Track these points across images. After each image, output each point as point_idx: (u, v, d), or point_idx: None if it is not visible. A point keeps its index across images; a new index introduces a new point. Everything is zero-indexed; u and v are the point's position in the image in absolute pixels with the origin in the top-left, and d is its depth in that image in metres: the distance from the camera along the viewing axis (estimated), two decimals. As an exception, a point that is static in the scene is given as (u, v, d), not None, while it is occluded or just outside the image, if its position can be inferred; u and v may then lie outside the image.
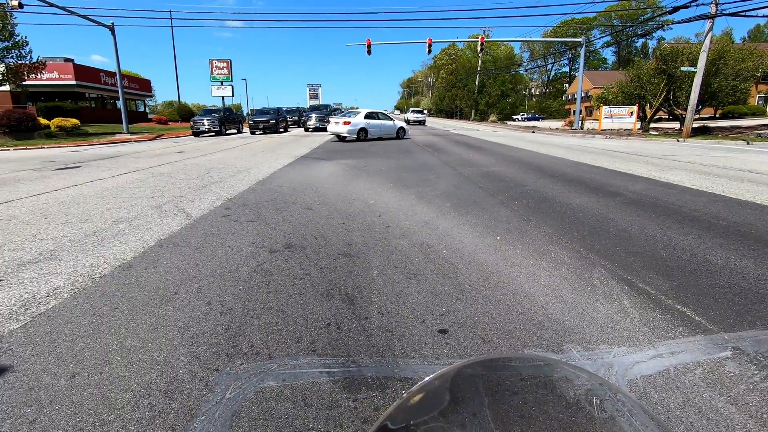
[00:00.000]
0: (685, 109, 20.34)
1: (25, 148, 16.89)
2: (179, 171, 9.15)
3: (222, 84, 45.16)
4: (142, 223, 4.75)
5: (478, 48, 29.18)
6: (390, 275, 3.16)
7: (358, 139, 17.85)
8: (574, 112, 36.14)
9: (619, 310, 2.61)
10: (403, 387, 1.86)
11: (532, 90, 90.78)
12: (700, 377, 1.95)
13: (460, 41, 61.89)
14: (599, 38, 67.13)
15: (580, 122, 29.71)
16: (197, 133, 24.40)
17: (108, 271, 3.28)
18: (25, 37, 24.19)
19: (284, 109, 32.45)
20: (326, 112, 29.35)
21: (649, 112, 24.58)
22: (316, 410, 1.72)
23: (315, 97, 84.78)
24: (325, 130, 26.98)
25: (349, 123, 17.59)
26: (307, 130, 27.59)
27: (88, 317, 2.53)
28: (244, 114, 56.58)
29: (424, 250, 3.73)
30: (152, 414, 1.71)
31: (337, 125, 17.85)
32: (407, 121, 34.30)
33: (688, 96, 19.72)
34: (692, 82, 19.20)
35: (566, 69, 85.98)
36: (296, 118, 32.20)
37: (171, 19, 43.45)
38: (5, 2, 19.28)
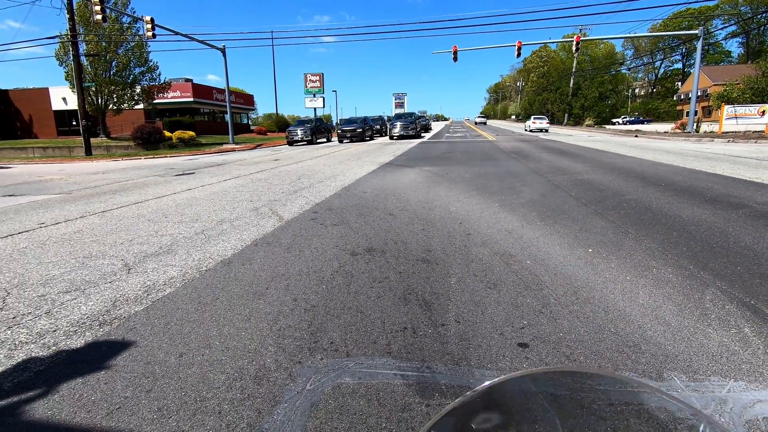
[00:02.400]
0: (839, 106, 16.93)
1: (153, 157, 19.65)
2: (274, 177, 9.94)
3: (314, 96, 48.17)
4: (241, 223, 5.24)
5: (573, 48, 27.42)
6: (469, 283, 3.10)
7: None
8: (687, 113, 32.11)
9: (737, 338, 2.26)
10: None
11: (636, 90, 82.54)
12: None
13: (552, 42, 58.74)
14: (722, 28, 58.86)
15: (695, 124, 26.27)
16: (291, 143, 26.45)
17: (212, 266, 3.68)
18: (156, 62, 28.21)
19: (370, 118, 33.51)
20: (411, 120, 29.65)
21: (787, 110, 20.94)
22: (389, 411, 1.75)
23: (400, 105, 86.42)
24: (409, 137, 27.36)
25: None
26: (392, 138, 28.16)
27: (195, 305, 2.87)
28: (333, 124, 59.66)
29: (506, 260, 3.59)
30: (243, 396, 1.88)
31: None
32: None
33: (843, 90, 16.39)
34: None
35: (678, 65, 76.72)
36: (378, 126, 33.15)
37: (272, 38, 47.64)
38: (143, 33, 22.75)
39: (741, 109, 22.29)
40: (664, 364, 2.04)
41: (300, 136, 26.16)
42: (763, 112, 21.50)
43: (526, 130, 31.53)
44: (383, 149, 18.72)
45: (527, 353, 2.17)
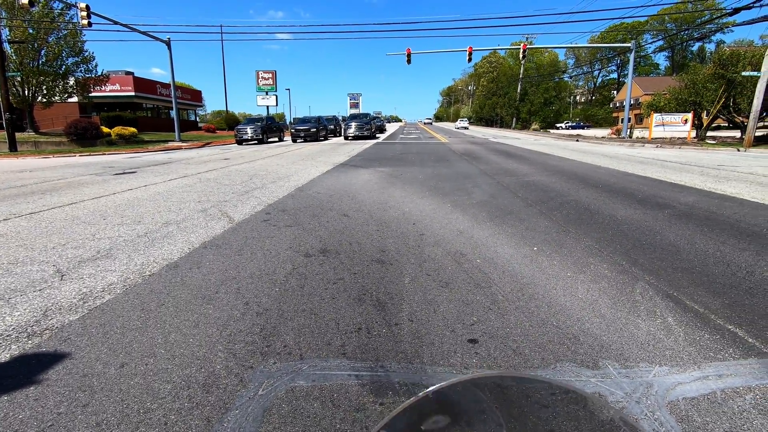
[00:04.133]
0: (747, 117, 18.97)
1: (89, 155, 18.28)
2: (224, 177, 9.59)
3: (267, 94, 46.96)
4: (188, 225, 5.02)
5: (521, 55, 28.72)
6: (422, 283, 3.17)
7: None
8: (622, 120, 34.61)
9: (662, 327, 2.48)
10: (430, 394, 1.86)
11: (578, 97, 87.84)
12: (751, 403, 1.82)
13: (501, 48, 61.20)
14: (651, 43, 64.00)
15: (629, 130, 28.42)
16: (240, 141, 25.38)
17: (156, 270, 3.50)
18: (92, 53, 26.27)
19: (324, 118, 33.14)
20: (366, 120, 29.69)
21: (705, 119, 23.17)
22: (343, 412, 1.75)
23: (356, 106, 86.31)
24: (364, 138, 27.39)
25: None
26: (346, 138, 28.07)
27: (137, 312, 2.71)
28: (287, 122, 58.33)
29: (458, 259, 3.71)
30: (191, 405, 1.81)
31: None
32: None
33: (751, 102, 18.39)
34: (755, 87, 17.91)
35: (614, 75, 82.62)
36: (332, 127, 32.78)
37: (221, 33, 45.87)
38: (77, 21, 21.09)
39: (668, 117, 24.36)
40: (599, 354, 2.20)
41: (250, 135, 25.21)
42: (686, 121, 23.63)
43: (455, 128, 35.52)
44: (338, 149, 18.62)
45: (477, 348, 2.25)
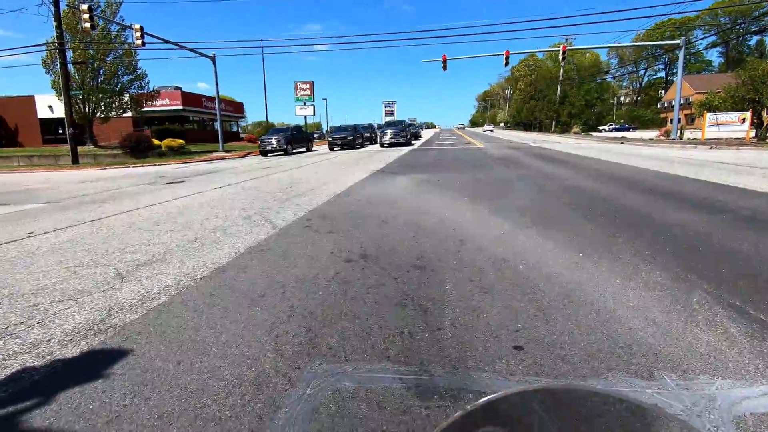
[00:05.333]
0: (815, 114, 17.51)
1: (142, 165, 19.47)
2: (265, 185, 9.93)
3: (305, 104, 48.25)
4: (234, 231, 5.23)
5: (560, 57, 27.98)
6: (464, 288, 3.14)
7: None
8: (670, 120, 32.88)
9: (724, 338, 2.33)
10: (475, 400, 1.84)
11: (621, 98, 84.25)
12: (831, 422, 1.67)
13: (539, 51, 59.74)
14: (702, 39, 60.52)
15: (679, 131, 26.91)
16: (264, 152, 24.12)
17: (207, 274, 3.67)
18: (145, 70, 27.99)
19: (360, 126, 33.52)
20: (401, 127, 29.81)
21: (766, 118, 21.56)
22: (389, 414, 1.77)
23: (390, 113, 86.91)
24: (399, 145, 27.51)
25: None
26: (382, 145, 28.27)
27: (191, 313, 2.86)
28: (324, 131, 59.52)
29: (500, 265, 3.65)
30: (243, 402, 1.88)
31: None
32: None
33: (819, 98, 16.97)
34: (823, 82, 16.51)
35: (662, 74, 78.61)
36: (368, 134, 32.94)
37: (262, 47, 47.68)
38: (131, 41, 22.63)
39: (722, 117, 22.89)
40: (654, 364, 2.10)
41: (275, 146, 24.02)
42: (744, 120, 22.11)
43: (482, 131, 35.32)
44: (374, 157, 18.81)
45: (522, 355, 2.21)
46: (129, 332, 2.61)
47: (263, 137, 25.23)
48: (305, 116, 47.38)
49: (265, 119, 53.27)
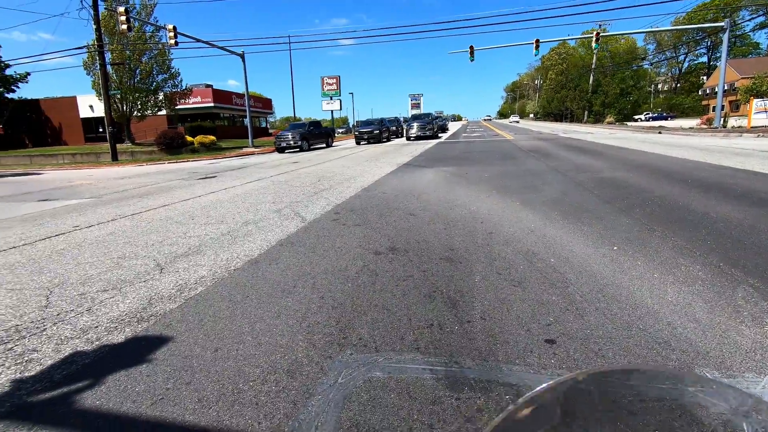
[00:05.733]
0: None
1: (176, 162, 20.16)
2: (294, 179, 10.10)
3: (331, 99, 48.58)
4: (265, 225, 5.36)
5: (593, 44, 26.98)
6: (493, 281, 3.11)
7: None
8: (713, 108, 31.15)
9: (771, 335, 2.22)
10: (506, 393, 1.84)
11: (659, 86, 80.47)
12: None
13: (571, 39, 57.79)
14: (749, 20, 56.75)
15: (723, 119, 25.49)
16: (281, 149, 23.14)
17: (240, 265, 3.79)
18: (178, 69, 28.87)
19: (386, 119, 33.42)
20: (428, 120, 29.56)
21: (820, 103, 20.13)
22: (420, 404, 1.79)
23: (417, 106, 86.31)
24: (426, 138, 27.32)
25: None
26: (408, 139, 28.16)
27: (226, 303, 2.97)
28: (351, 125, 59.76)
29: (530, 258, 3.59)
30: (278, 389, 1.95)
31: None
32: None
33: None
34: None
35: (703, 59, 74.38)
36: (394, 128, 32.63)
37: (290, 43, 48.21)
38: (165, 41, 23.38)
39: (771, 103, 21.48)
40: (695, 360, 2.02)
41: (291, 143, 22.92)
42: (795, 106, 20.68)
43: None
44: (401, 150, 18.77)
45: (555, 349, 2.18)
46: (169, 320, 2.74)
47: (279, 134, 24.19)
48: (332, 111, 47.73)
49: (292, 114, 53.99)
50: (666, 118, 55.46)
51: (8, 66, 32.56)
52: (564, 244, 3.97)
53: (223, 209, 6.61)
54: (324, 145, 26.42)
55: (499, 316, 2.56)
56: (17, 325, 2.76)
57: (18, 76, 33.81)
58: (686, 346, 2.14)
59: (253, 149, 26.05)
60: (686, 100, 64.32)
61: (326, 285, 3.19)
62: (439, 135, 32.17)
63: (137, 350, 2.38)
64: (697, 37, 66.13)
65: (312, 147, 24.70)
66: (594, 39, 27.22)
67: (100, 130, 35.74)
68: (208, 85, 40.71)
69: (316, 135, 25.36)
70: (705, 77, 67.19)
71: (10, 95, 34.42)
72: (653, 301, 2.68)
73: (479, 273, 3.30)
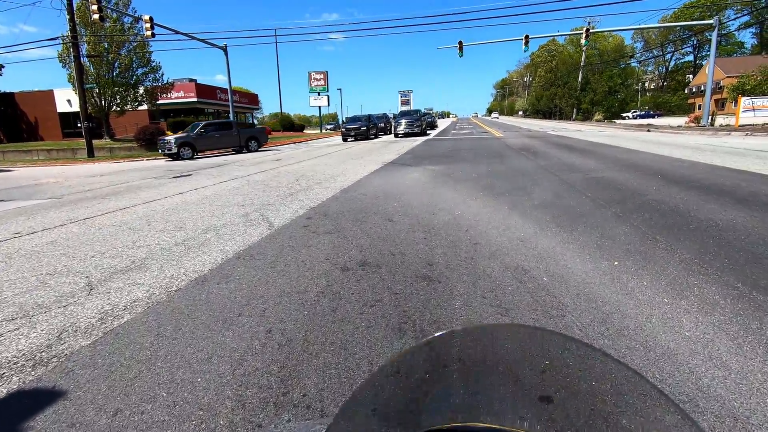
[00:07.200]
0: None
1: (155, 159, 19.36)
2: (272, 179, 9.52)
3: (319, 94, 47.80)
4: (227, 232, 4.81)
5: (582, 40, 26.73)
6: (476, 308, 2.63)
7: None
8: (699, 106, 31.19)
9: (821, 389, 1.76)
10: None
11: (647, 84, 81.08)
12: None
13: (560, 35, 57.75)
14: (734, 19, 57.30)
15: (710, 117, 25.45)
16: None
17: (184, 285, 3.25)
18: (159, 63, 27.90)
19: (374, 116, 32.80)
20: (416, 117, 29.00)
21: (808, 101, 20.12)
22: None
23: (406, 103, 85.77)
24: (414, 135, 26.82)
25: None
26: (396, 135, 27.59)
27: (151, 338, 2.43)
28: (339, 122, 59.03)
29: (519, 276, 3.11)
30: (178, 481, 1.43)
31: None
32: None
33: None
34: None
35: (689, 58, 75.01)
36: (382, 125, 32.11)
37: (276, 36, 47.19)
38: (143, 33, 22.44)
39: (759, 101, 21.46)
40: (734, 430, 1.55)
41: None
42: (783, 104, 20.65)
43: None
44: (387, 147, 18.23)
45: (550, 409, 1.69)
46: (73, 365, 2.19)
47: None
48: (319, 107, 46.97)
49: (279, 110, 53.06)
50: (653, 116, 55.76)
51: (-21, 58, 31.18)
52: (558, 257, 3.50)
53: (186, 213, 6.03)
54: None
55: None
56: None
57: (-10, 69, 32.43)
58: (719, 408, 1.67)
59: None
60: (673, 98, 64.80)
61: (277, 313, 2.67)
62: (428, 132, 31.67)
63: (14, 413, 1.83)
64: (684, 36, 66.62)
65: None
66: (584, 35, 26.95)
67: (79, 125, 34.43)
68: (191, 80, 39.60)
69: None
70: (691, 75, 67.74)
71: (-18, 88, 33.03)
72: (667, 336, 2.21)
73: (460, 296, 2.81)
